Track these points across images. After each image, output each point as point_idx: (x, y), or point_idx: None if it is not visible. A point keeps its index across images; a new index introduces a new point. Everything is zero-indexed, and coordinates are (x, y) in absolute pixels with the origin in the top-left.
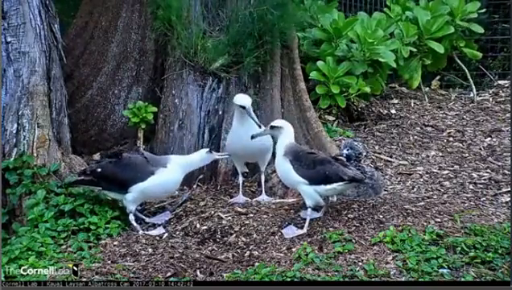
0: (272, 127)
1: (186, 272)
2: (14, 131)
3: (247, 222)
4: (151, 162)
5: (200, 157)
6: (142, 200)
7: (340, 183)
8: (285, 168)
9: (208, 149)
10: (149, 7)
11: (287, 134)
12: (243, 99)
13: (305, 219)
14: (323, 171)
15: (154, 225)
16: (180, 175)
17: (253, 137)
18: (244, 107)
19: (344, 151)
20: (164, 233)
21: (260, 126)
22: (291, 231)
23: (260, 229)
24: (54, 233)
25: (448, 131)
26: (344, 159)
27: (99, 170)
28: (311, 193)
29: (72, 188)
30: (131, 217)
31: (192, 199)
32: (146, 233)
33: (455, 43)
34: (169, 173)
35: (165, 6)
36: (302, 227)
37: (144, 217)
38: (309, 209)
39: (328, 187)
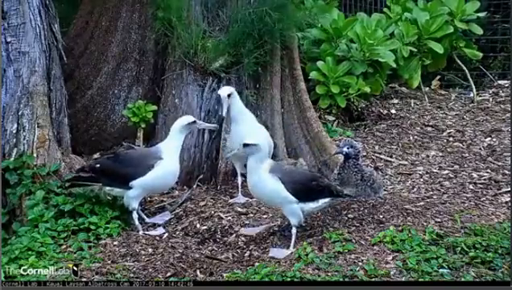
0: (246, 145)
1: (186, 272)
2: (14, 131)
3: (247, 222)
4: (147, 155)
5: (179, 128)
6: (144, 195)
7: (328, 199)
8: (274, 186)
9: (192, 119)
10: (149, 8)
11: (264, 151)
12: (222, 89)
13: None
14: (316, 186)
15: (154, 225)
16: (178, 162)
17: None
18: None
19: (344, 149)
20: (164, 233)
21: (222, 116)
22: (280, 253)
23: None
24: (54, 233)
25: (448, 131)
26: (343, 157)
27: (98, 165)
28: (297, 212)
29: (70, 185)
30: (134, 215)
31: (192, 199)
32: (146, 233)
33: (455, 43)
34: (167, 164)
35: (165, 7)
36: (288, 247)
37: (144, 216)
38: (294, 228)
39: (316, 205)
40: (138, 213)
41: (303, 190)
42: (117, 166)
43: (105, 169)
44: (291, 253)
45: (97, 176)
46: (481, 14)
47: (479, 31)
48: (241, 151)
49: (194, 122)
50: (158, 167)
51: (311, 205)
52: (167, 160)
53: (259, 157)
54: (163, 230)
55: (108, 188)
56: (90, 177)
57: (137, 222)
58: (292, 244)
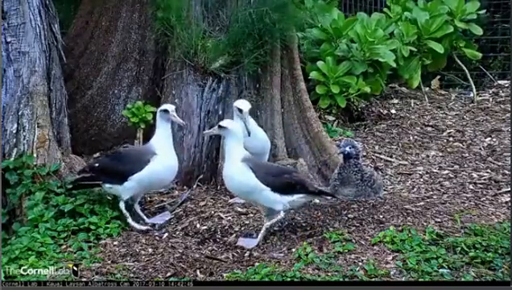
0: (220, 127)
1: (186, 272)
2: (14, 131)
3: (247, 222)
4: (143, 151)
5: (158, 116)
6: (141, 191)
7: (303, 195)
8: (244, 175)
9: (164, 108)
10: (149, 8)
11: (236, 136)
12: (242, 103)
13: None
14: (289, 179)
15: (154, 225)
16: (173, 154)
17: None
18: (241, 110)
19: (347, 149)
20: (169, 218)
21: (249, 134)
22: (249, 242)
23: (260, 229)
24: (54, 233)
25: (448, 131)
26: (344, 157)
27: (97, 165)
28: (276, 198)
29: (73, 188)
30: (121, 205)
31: (192, 199)
32: (149, 221)
33: (455, 43)
34: (162, 158)
35: (165, 7)
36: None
37: (144, 217)
38: (282, 212)
39: (290, 198)
40: (137, 212)
41: (275, 182)
42: (115, 163)
43: (104, 167)
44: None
45: (97, 175)
46: (481, 12)
47: (479, 31)
48: (216, 132)
49: (166, 110)
50: (154, 162)
51: (286, 198)
52: (162, 155)
53: (235, 141)
54: (170, 215)
55: (107, 185)
56: (91, 177)
57: (124, 211)
58: (274, 221)
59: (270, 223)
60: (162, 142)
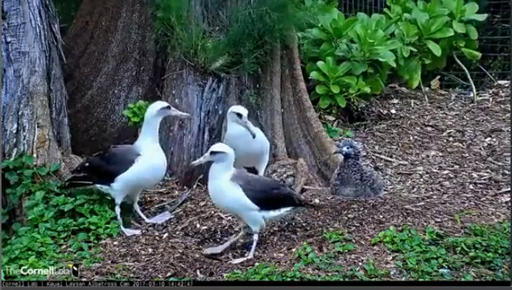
0: (213, 153)
1: (186, 272)
2: (14, 131)
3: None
4: (129, 151)
5: (154, 113)
6: (132, 191)
7: (290, 208)
8: (235, 194)
9: (164, 105)
10: (149, 8)
11: (230, 159)
12: (240, 108)
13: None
14: (277, 195)
15: (154, 225)
16: (159, 153)
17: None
18: (240, 115)
19: (344, 149)
20: (169, 218)
21: (254, 136)
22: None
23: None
24: (54, 233)
25: (448, 131)
26: (343, 157)
27: (87, 164)
28: (258, 219)
29: (69, 185)
30: (117, 209)
31: (192, 199)
32: (149, 220)
33: (455, 43)
34: (146, 159)
35: (165, 7)
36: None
37: (144, 217)
38: (256, 235)
39: (277, 213)
40: (137, 212)
41: (265, 198)
42: (103, 163)
43: (93, 167)
44: (249, 259)
45: (89, 175)
46: (482, 18)
47: (474, 35)
48: (207, 159)
49: (168, 107)
50: (138, 164)
51: (272, 213)
52: (146, 155)
53: (225, 165)
54: (170, 215)
55: (98, 185)
56: (83, 177)
57: (119, 216)
58: (252, 251)
59: (251, 252)
60: (147, 143)
